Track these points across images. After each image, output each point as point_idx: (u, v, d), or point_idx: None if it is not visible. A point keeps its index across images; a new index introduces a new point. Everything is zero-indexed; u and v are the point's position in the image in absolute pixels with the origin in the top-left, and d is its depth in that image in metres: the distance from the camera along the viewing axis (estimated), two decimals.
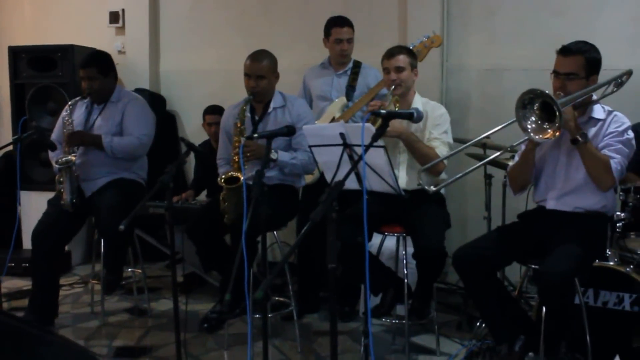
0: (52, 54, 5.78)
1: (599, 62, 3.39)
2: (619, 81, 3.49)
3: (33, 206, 5.52)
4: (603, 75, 3.43)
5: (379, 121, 2.72)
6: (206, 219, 4.23)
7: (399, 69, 3.99)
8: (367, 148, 2.68)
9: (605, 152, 3.28)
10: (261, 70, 4.18)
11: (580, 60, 3.33)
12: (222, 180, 3.98)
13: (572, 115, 3.20)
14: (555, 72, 3.40)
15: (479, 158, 4.53)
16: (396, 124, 3.86)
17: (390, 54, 4.02)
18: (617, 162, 3.26)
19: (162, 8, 6.39)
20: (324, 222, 2.41)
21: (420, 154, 3.95)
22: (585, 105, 3.44)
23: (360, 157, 2.74)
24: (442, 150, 3.96)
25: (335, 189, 2.43)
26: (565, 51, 3.37)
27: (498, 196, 4.59)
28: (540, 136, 3.16)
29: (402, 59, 4.00)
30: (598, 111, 3.42)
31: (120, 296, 5.13)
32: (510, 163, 4.14)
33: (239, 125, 4.12)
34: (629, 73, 3.50)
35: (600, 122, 3.39)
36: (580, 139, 3.20)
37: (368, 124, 2.69)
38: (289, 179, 4.29)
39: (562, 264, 3.10)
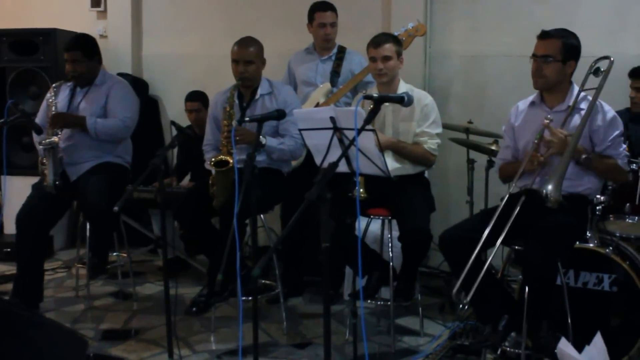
0: (34, 38, 5.77)
1: (577, 48, 3.51)
2: (598, 69, 3.56)
3: (15, 191, 5.52)
4: (583, 63, 3.54)
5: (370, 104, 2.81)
6: (193, 203, 4.30)
7: (386, 58, 4.02)
8: (358, 132, 2.77)
9: (608, 152, 3.45)
10: (249, 55, 4.27)
11: (557, 44, 3.45)
12: (212, 163, 4.06)
13: (569, 145, 3.30)
14: (533, 55, 3.52)
15: (462, 143, 4.66)
16: (381, 138, 3.92)
17: (377, 42, 4.05)
18: (622, 156, 3.46)
19: None
20: (314, 204, 2.49)
21: (411, 157, 4.08)
22: (564, 93, 3.56)
23: (352, 141, 2.83)
24: (431, 145, 4.06)
25: (330, 170, 2.52)
26: (543, 35, 3.51)
27: (480, 181, 4.71)
28: None
29: (388, 48, 4.03)
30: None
31: (104, 280, 5.18)
32: (494, 148, 4.28)
33: (228, 109, 4.20)
34: (606, 58, 3.55)
35: (582, 111, 3.49)
36: (583, 161, 3.37)
37: (360, 109, 2.77)
38: (276, 163, 4.38)
39: (546, 245, 3.22)
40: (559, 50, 3.46)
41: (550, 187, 3.19)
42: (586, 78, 3.53)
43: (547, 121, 3.40)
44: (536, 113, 3.65)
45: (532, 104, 3.70)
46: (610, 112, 3.48)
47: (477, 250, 3.28)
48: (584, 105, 3.51)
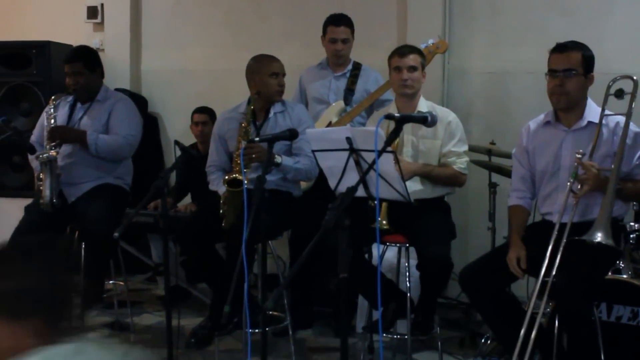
0: (27, 51, 5.78)
1: (594, 60, 3.52)
2: (622, 92, 3.51)
3: (5, 214, 5.52)
4: (608, 80, 3.53)
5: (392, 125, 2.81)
6: (196, 227, 4.31)
7: (412, 69, 4.02)
8: (378, 154, 2.76)
9: (636, 173, 3.44)
10: (284, 68, 4.38)
11: (578, 57, 3.45)
12: (225, 182, 4.07)
13: (609, 186, 3.27)
14: (552, 71, 3.49)
15: (484, 165, 4.64)
16: (406, 165, 3.88)
17: (403, 52, 4.06)
18: None
19: (144, 3, 6.40)
20: (331, 231, 2.47)
21: (441, 180, 4.09)
22: (581, 109, 3.54)
23: (370, 165, 2.82)
24: (460, 164, 4.06)
25: (348, 195, 2.50)
26: (561, 48, 3.49)
27: (503, 206, 4.66)
28: None
29: (414, 58, 4.03)
30: (595, 114, 3.52)
31: (99, 310, 5.13)
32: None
33: (244, 125, 4.22)
34: (628, 77, 3.50)
35: (602, 127, 3.46)
36: None
37: (380, 129, 2.77)
38: (286, 185, 4.39)
39: (581, 279, 3.20)
40: (580, 63, 3.45)
41: (599, 234, 3.13)
42: (605, 100, 3.48)
43: (579, 156, 3.34)
44: (553, 133, 3.64)
45: (547, 123, 3.68)
46: (634, 128, 3.47)
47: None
48: (595, 119, 3.49)
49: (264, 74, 4.33)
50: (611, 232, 3.17)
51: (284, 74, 4.38)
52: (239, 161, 4.14)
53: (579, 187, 3.35)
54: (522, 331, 3.24)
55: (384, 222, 3.79)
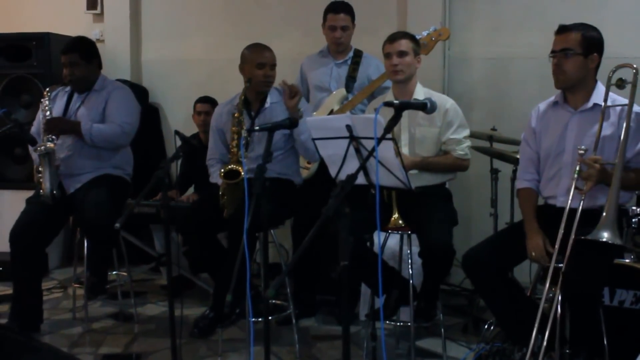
0: (27, 43, 5.80)
1: (598, 41, 3.47)
2: (622, 81, 3.45)
3: (7, 206, 5.54)
4: (612, 64, 3.48)
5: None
6: (198, 216, 4.31)
7: (402, 54, 3.98)
8: (378, 141, 2.74)
9: (637, 161, 3.41)
10: (274, 59, 4.36)
11: (576, 36, 3.42)
12: (222, 174, 4.07)
13: (613, 185, 3.23)
14: (552, 52, 3.49)
15: (485, 151, 4.63)
16: (405, 159, 3.84)
17: (393, 38, 4.03)
18: None
19: None
20: (331, 219, 2.47)
21: (442, 170, 4.08)
22: (588, 91, 3.52)
23: (370, 152, 2.81)
24: (460, 151, 4.03)
25: (348, 183, 2.49)
26: (560, 29, 3.48)
27: (505, 192, 4.67)
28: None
29: (404, 43, 3.99)
30: (602, 97, 3.48)
31: (103, 301, 5.16)
32: (519, 156, 4.24)
33: (237, 115, 4.21)
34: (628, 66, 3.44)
35: (609, 109, 3.44)
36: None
37: (379, 117, 2.75)
38: (287, 173, 4.40)
39: (591, 268, 3.19)
40: (578, 43, 3.42)
41: (606, 234, 3.09)
42: (607, 89, 3.43)
43: (582, 152, 3.30)
44: (559, 114, 3.62)
45: (555, 104, 3.66)
46: (636, 108, 3.42)
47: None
48: (601, 101, 3.44)
49: (251, 64, 4.32)
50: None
51: (274, 65, 4.36)
52: (235, 151, 4.14)
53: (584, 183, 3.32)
54: (536, 324, 3.22)
55: (400, 221, 3.81)
